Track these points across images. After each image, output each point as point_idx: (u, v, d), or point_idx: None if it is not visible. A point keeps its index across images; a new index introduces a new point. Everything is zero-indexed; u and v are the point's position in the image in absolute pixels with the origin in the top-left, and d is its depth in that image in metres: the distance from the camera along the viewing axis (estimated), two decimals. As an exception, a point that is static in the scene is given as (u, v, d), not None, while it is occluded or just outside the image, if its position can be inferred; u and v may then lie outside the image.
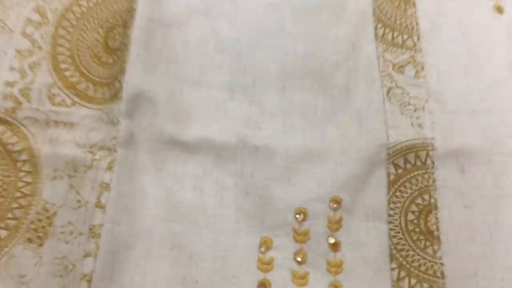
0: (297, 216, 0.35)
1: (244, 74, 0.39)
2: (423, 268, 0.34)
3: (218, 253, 0.34)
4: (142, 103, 0.37)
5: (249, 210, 0.35)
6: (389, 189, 0.36)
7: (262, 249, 0.34)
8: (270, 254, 0.35)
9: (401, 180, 0.36)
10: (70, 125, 0.38)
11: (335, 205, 0.35)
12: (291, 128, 0.38)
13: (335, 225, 0.35)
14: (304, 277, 0.34)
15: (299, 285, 0.34)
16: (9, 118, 0.37)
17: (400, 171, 0.36)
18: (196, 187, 0.36)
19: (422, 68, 0.39)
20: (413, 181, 0.36)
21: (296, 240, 0.35)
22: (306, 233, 0.35)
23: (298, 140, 0.37)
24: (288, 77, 0.39)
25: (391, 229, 0.35)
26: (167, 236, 0.34)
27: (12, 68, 0.38)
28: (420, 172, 0.36)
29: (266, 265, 0.34)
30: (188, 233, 0.34)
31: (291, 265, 0.34)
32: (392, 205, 0.35)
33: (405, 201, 0.35)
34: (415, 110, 0.38)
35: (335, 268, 0.34)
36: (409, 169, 0.36)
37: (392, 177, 0.36)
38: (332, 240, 0.35)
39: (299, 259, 0.34)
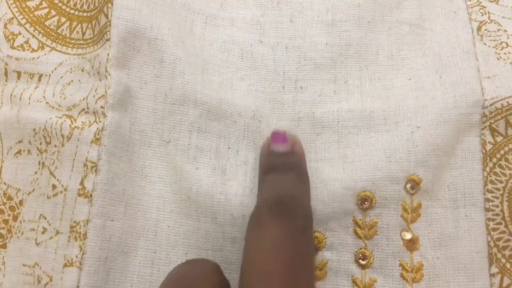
0: (361, 203, 0.25)
1: (277, 7, 0.28)
2: (534, 273, 0.25)
3: None
4: (140, 45, 0.26)
5: None
6: (485, 164, 0.26)
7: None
8: (323, 255, 0.25)
9: (502, 152, 0.26)
10: (38, 77, 0.27)
11: (412, 187, 0.25)
12: (344, 84, 0.27)
13: (412, 215, 0.25)
14: (370, 286, 0.25)
15: (364, 298, 0.24)
16: None
17: (500, 138, 0.26)
18: (217, 168, 0.26)
19: None
20: (518, 152, 0.26)
21: (358, 236, 0.25)
22: (372, 226, 0.25)
23: (353, 101, 0.27)
24: (338, 8, 0.28)
25: (489, 219, 0.25)
26: (179, 236, 0.25)
27: None
28: (527, 140, 0.26)
29: (317, 271, 0.25)
30: (208, 232, 0.25)
31: (351, 269, 0.25)
32: (490, 186, 0.25)
33: (508, 181, 0.26)
34: (516, 54, 0.27)
35: (412, 273, 0.25)
36: (511, 137, 0.26)
37: (489, 147, 0.26)
38: (408, 236, 0.25)
39: (363, 261, 0.25)
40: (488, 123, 0.26)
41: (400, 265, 0.25)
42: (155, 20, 0.27)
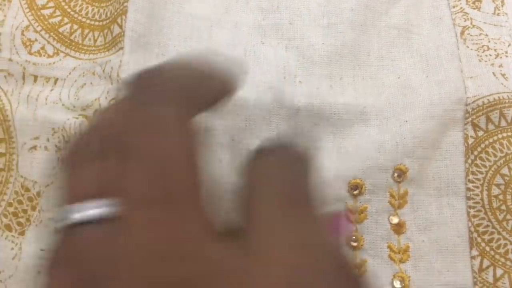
0: (352, 190, 0.27)
1: (277, 11, 0.31)
2: (511, 256, 0.27)
3: None
4: (150, 59, 0.29)
5: None
6: (467, 157, 0.28)
7: (307, 231, 0.27)
8: (317, 237, 0.27)
9: (483, 145, 0.28)
10: (53, 80, 0.29)
11: (399, 176, 0.28)
12: (339, 81, 0.29)
13: (398, 201, 0.28)
14: (360, 266, 0.27)
15: (355, 277, 0.27)
16: None
17: (481, 133, 0.28)
18: (222, 160, 0.28)
19: (503, 3, 0.31)
20: (497, 146, 0.28)
21: (350, 220, 0.27)
22: (362, 211, 0.27)
23: (348, 96, 0.29)
24: (332, 13, 0.31)
25: (470, 207, 0.27)
26: None
27: None
28: (506, 134, 0.28)
29: (312, 252, 0.27)
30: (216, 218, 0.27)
31: None
32: (471, 177, 0.28)
33: (487, 172, 0.28)
34: (496, 56, 0.30)
35: (399, 255, 0.27)
36: (492, 131, 0.28)
37: (471, 141, 0.28)
38: (395, 220, 0.27)
39: (354, 243, 0.27)
40: (470, 119, 0.28)
41: (388, 247, 0.27)
42: (162, 38, 0.29)
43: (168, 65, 0.20)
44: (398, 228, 0.27)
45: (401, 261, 0.27)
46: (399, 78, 0.29)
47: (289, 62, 0.30)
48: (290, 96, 0.29)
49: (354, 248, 0.27)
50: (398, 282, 0.27)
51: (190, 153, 0.16)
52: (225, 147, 0.28)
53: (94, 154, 0.16)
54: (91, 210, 0.14)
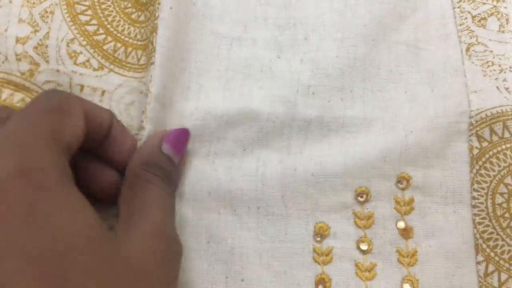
0: (359, 197, 0.29)
1: (293, 28, 0.33)
2: (515, 262, 0.28)
3: (264, 245, 0.28)
4: (174, 72, 0.31)
5: (299, 190, 0.29)
6: (472, 166, 0.29)
7: (318, 238, 0.29)
8: (328, 243, 0.29)
9: (487, 155, 0.30)
10: (100, 91, 0.31)
11: (403, 184, 0.29)
12: (349, 93, 0.31)
13: (405, 207, 0.29)
14: (370, 270, 0.28)
15: (365, 279, 0.28)
16: (27, 84, 0.31)
17: (485, 144, 0.30)
18: (232, 168, 0.30)
19: (507, 21, 0.33)
20: (501, 156, 0.29)
21: (358, 226, 0.29)
22: (369, 217, 0.29)
23: (357, 109, 0.31)
24: (346, 28, 0.32)
25: (475, 215, 0.29)
26: (202, 227, 0.29)
27: (21, 20, 0.32)
28: (509, 145, 0.30)
29: (323, 257, 0.29)
30: (227, 223, 0.29)
31: (354, 255, 0.29)
32: (476, 186, 0.29)
33: (492, 181, 0.29)
34: (500, 71, 0.31)
35: (408, 258, 0.28)
36: (496, 142, 0.30)
37: (475, 151, 0.30)
38: (402, 225, 0.29)
39: (363, 247, 0.29)
40: (474, 130, 0.30)
41: (397, 251, 0.29)
42: (185, 53, 0.32)
43: None
44: (406, 233, 0.29)
45: (410, 264, 0.28)
46: (406, 92, 0.31)
47: (303, 74, 0.31)
48: (303, 109, 0.31)
49: (364, 252, 0.29)
50: (408, 285, 0.28)
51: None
52: (236, 156, 0.30)
53: None
54: None
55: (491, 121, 0.30)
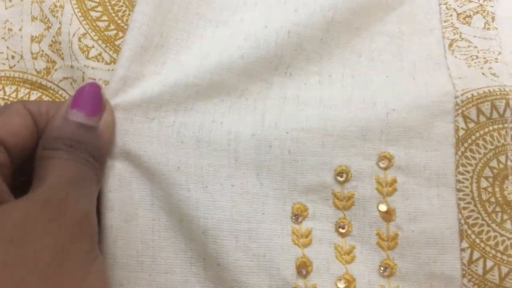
0: (338, 176, 0.27)
1: (284, 4, 0.31)
2: (501, 248, 0.26)
3: (240, 226, 0.26)
4: (149, 47, 0.29)
5: (275, 169, 0.27)
6: (457, 148, 0.28)
7: (296, 219, 0.27)
8: (307, 224, 0.27)
9: (473, 137, 0.28)
10: None
11: (384, 163, 0.27)
12: (328, 77, 0.30)
13: (387, 188, 0.27)
14: (349, 253, 0.26)
15: (345, 262, 0.26)
16: (44, 82, 0.31)
17: (472, 125, 0.28)
18: (201, 140, 0.27)
19: (493, 19, 0.32)
20: (488, 138, 0.28)
21: (337, 207, 0.27)
22: (349, 198, 0.27)
23: (335, 89, 0.29)
24: (337, 9, 0.31)
25: (460, 199, 0.27)
26: (172, 205, 0.26)
27: (34, 18, 0.31)
28: (496, 127, 0.28)
29: (303, 238, 0.27)
30: (199, 202, 0.26)
31: (333, 237, 0.27)
32: (461, 169, 0.28)
33: (477, 164, 0.28)
34: (485, 62, 0.30)
35: (387, 242, 0.27)
36: (483, 123, 0.28)
37: (461, 132, 0.28)
38: (384, 207, 0.27)
39: (342, 230, 0.27)
40: (460, 110, 0.28)
41: (377, 234, 0.27)
42: (165, 29, 0.29)
43: None
44: (387, 216, 0.27)
45: (389, 248, 0.27)
46: (387, 77, 0.30)
47: (287, 50, 0.30)
48: (278, 88, 0.29)
49: (343, 234, 0.27)
50: (384, 269, 0.26)
51: None
52: (205, 128, 0.28)
53: None
54: None
55: (478, 101, 0.28)
